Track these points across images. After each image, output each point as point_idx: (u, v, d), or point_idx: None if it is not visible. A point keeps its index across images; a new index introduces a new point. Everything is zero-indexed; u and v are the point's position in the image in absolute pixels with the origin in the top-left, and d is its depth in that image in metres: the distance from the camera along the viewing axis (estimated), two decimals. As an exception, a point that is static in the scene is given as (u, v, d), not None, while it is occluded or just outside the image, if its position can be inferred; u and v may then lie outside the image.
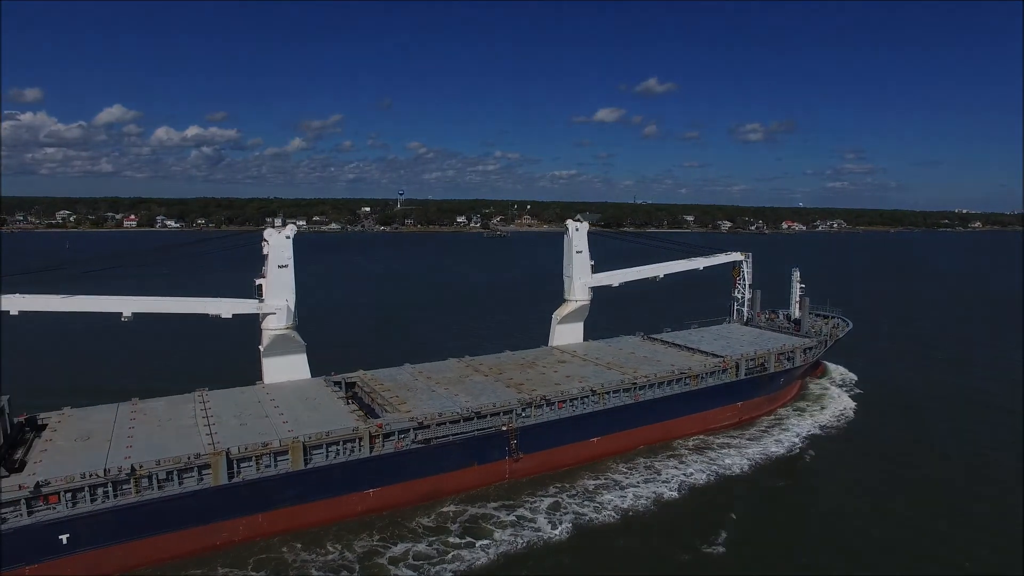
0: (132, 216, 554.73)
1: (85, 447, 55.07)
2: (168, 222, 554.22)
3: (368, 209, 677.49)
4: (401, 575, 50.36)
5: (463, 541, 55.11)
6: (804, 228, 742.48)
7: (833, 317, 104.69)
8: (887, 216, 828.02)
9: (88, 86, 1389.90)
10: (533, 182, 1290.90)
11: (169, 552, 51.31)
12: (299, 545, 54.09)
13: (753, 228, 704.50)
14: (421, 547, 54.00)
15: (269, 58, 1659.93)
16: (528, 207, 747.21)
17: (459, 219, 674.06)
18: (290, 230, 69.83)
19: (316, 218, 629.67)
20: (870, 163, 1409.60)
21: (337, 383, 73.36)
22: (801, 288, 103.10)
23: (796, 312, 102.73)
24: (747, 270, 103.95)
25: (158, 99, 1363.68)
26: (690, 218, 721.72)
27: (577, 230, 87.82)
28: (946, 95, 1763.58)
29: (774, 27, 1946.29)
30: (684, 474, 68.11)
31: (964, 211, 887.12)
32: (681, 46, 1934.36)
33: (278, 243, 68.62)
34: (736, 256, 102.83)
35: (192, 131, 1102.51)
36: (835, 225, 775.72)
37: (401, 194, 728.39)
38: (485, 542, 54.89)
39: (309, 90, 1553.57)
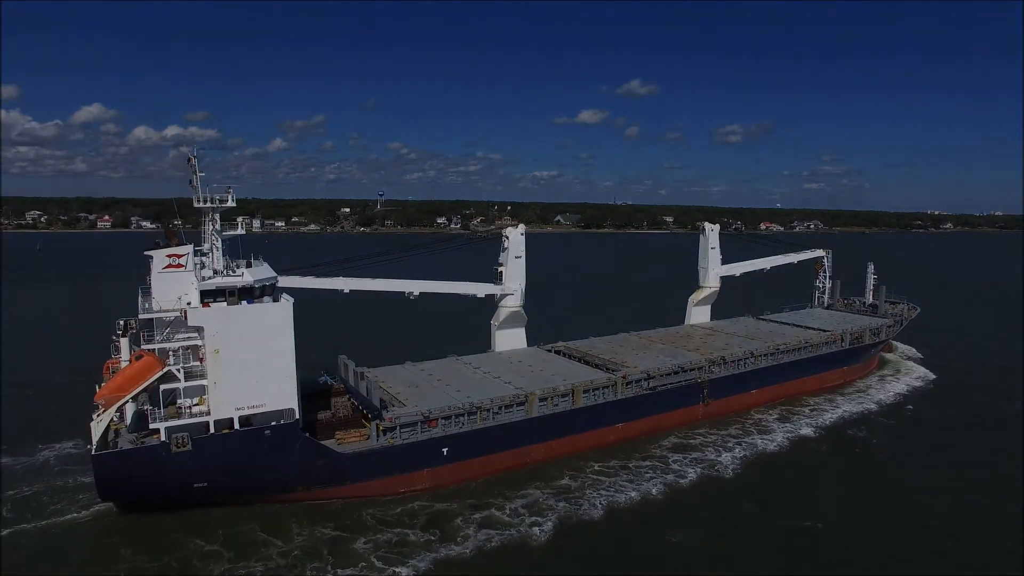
0: (106, 217, 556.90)
1: (419, 392, 76.70)
2: (144, 223, 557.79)
3: (348, 210, 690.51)
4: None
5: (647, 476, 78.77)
6: (782, 229, 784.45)
7: (900, 303, 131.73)
8: (862, 217, 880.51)
9: (67, 84, 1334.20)
10: (514, 183, 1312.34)
11: (502, 466, 73.21)
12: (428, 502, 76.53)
13: (732, 229, 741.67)
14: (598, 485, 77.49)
15: (253, 58, 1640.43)
16: (508, 208, 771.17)
17: (439, 220, 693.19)
18: (522, 228, 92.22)
19: (295, 219, 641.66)
20: (846, 164, 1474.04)
21: (549, 350, 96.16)
22: (875, 278, 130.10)
23: (871, 298, 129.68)
24: (828, 264, 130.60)
25: (138, 99, 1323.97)
26: (669, 219, 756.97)
27: (712, 230, 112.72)
28: (924, 97, 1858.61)
29: (756, 30, 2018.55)
30: (834, 413, 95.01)
31: (936, 212, 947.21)
32: (664, 49, 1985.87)
33: (516, 239, 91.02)
34: (819, 252, 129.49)
35: (171, 131, 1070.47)
36: (811, 226, 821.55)
37: (381, 195, 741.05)
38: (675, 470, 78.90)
39: (292, 90, 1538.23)
